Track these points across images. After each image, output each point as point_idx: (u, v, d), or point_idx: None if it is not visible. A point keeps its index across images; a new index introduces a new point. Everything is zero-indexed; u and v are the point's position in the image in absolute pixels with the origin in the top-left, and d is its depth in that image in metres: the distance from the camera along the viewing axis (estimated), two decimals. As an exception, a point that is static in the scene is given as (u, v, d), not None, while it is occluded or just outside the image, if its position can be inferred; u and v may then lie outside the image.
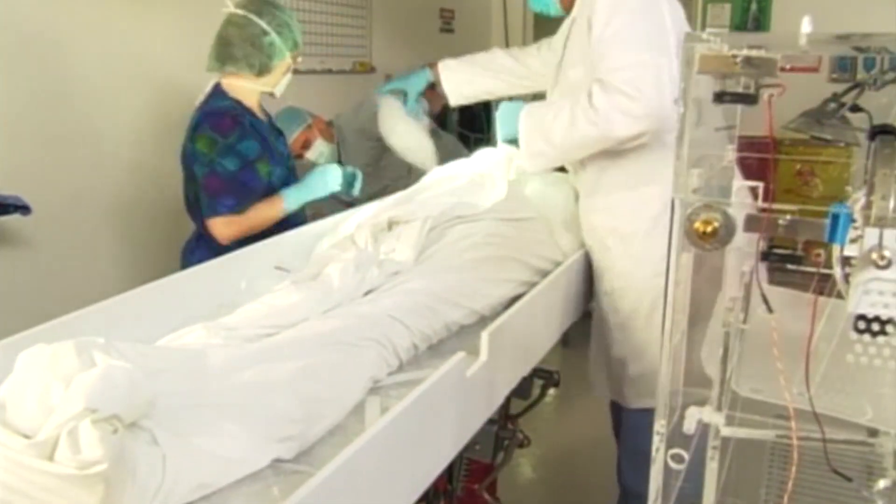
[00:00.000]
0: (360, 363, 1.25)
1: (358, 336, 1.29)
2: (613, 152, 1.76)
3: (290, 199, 2.15)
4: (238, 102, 2.15)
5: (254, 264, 1.67)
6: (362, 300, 1.47)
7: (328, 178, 2.19)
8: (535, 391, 1.92)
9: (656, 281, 1.72)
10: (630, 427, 2.00)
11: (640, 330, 1.87)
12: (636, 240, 1.83)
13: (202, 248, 2.17)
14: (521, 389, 1.72)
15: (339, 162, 2.99)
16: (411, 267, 1.60)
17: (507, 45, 5.55)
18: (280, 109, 2.90)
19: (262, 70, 2.14)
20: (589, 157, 1.82)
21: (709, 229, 0.95)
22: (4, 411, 0.92)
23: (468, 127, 4.88)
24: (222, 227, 2.07)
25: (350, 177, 2.26)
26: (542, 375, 1.90)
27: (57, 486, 0.83)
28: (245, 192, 2.09)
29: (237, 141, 2.08)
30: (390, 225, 1.73)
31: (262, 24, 2.11)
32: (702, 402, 1.07)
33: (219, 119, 2.08)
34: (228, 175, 2.06)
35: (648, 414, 1.78)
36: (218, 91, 2.16)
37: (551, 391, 1.96)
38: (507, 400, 1.67)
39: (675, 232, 0.98)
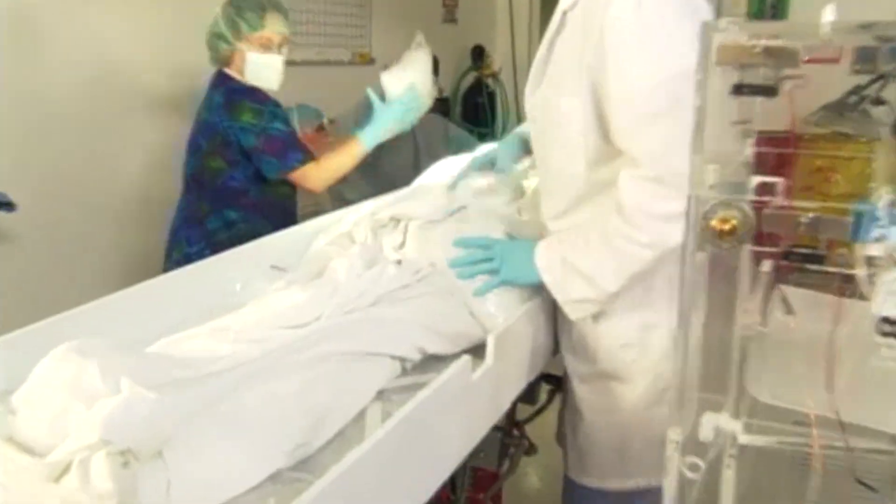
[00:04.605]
0: (371, 374, 1.23)
1: (372, 345, 1.26)
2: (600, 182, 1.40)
3: (367, 139, 2.30)
4: None
5: (249, 263, 1.63)
6: (377, 307, 1.41)
7: (401, 114, 2.27)
8: (543, 397, 1.89)
9: (622, 355, 1.46)
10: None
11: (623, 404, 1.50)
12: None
13: (191, 227, 2.32)
14: (528, 395, 1.69)
15: None
16: (426, 268, 1.56)
17: (512, 36, 5.34)
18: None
19: (217, 60, 2.32)
20: (561, 183, 1.48)
21: (727, 227, 0.91)
22: (15, 418, 0.92)
23: (472, 121, 4.83)
24: (308, 177, 2.27)
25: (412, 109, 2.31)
26: (550, 381, 1.87)
27: None
28: (302, 144, 2.30)
29: (274, 106, 2.29)
30: (391, 222, 1.69)
31: (218, 17, 2.30)
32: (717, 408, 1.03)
33: (251, 92, 2.27)
34: (283, 133, 2.26)
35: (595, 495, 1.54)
36: (225, 75, 2.32)
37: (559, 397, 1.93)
38: (514, 406, 1.64)
39: (691, 230, 0.94)
